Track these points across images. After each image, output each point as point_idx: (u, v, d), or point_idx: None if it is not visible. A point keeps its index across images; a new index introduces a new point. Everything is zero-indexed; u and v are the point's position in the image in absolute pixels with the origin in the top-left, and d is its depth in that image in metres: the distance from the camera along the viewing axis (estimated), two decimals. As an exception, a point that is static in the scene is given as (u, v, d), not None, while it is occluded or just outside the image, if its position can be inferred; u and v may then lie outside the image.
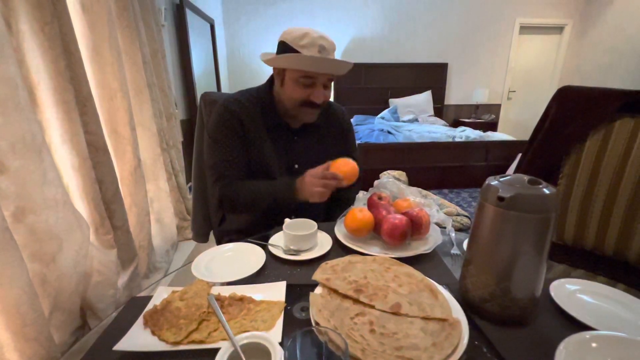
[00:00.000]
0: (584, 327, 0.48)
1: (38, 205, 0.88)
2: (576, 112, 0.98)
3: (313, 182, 0.81)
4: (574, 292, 0.57)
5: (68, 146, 1.07)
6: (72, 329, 1.03)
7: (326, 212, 1.08)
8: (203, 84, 2.90)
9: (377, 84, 4.37)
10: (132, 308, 0.54)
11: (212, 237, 1.28)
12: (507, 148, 2.95)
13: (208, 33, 3.28)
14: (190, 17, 2.54)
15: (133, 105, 1.49)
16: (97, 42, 1.26)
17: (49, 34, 0.97)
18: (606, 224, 0.92)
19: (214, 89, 3.41)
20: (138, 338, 0.45)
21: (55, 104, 1.02)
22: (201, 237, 1.28)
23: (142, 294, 0.60)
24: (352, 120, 3.84)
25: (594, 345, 0.42)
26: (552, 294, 0.56)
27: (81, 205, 1.13)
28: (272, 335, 0.44)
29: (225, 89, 3.91)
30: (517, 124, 4.73)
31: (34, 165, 0.87)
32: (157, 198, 1.74)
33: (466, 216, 1.98)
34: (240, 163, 0.92)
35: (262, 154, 0.93)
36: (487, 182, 0.51)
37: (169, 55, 2.22)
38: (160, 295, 0.54)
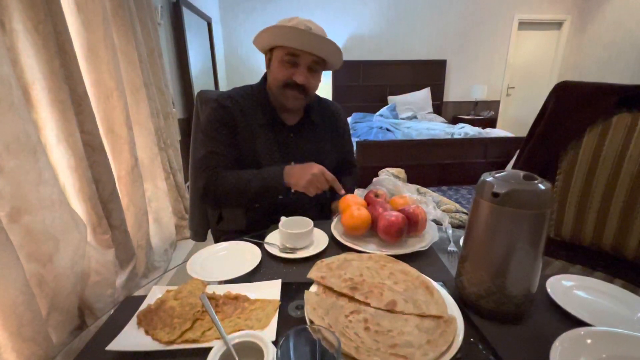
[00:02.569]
0: (581, 323, 0.48)
1: (34, 205, 0.88)
2: (574, 108, 0.98)
3: (318, 170, 0.81)
4: (570, 288, 0.57)
5: (64, 146, 1.06)
6: (70, 328, 1.02)
7: (321, 210, 1.07)
8: (201, 82, 2.89)
9: (375, 81, 4.36)
10: (126, 307, 0.54)
11: (210, 236, 1.28)
12: (506, 144, 2.94)
13: (205, 31, 3.26)
14: (186, 15, 2.52)
15: (129, 104, 1.48)
16: (92, 40, 1.25)
17: (43, 32, 0.97)
18: (604, 220, 0.92)
19: (211, 87, 3.40)
20: (131, 338, 0.45)
21: (50, 104, 1.02)
22: (199, 236, 1.28)
23: (137, 293, 0.60)
24: (350, 118, 3.84)
25: (588, 341, 0.42)
26: (549, 290, 0.55)
27: (78, 205, 1.13)
28: (266, 334, 0.44)
29: (223, 87, 3.89)
30: (516, 120, 4.72)
31: (29, 165, 0.86)
32: (155, 197, 1.74)
33: (465, 213, 1.98)
34: (228, 156, 0.90)
35: (256, 150, 0.92)
36: (482, 178, 0.50)
37: (166, 53, 2.21)
38: (154, 294, 0.54)
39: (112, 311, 0.55)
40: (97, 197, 1.18)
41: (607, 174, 0.91)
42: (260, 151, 0.93)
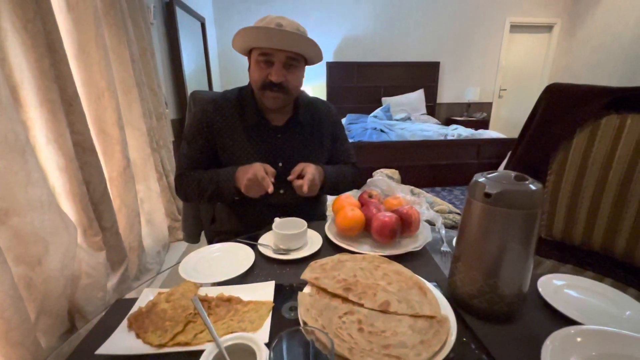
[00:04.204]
0: (571, 322, 0.49)
1: (22, 206, 0.86)
2: (564, 110, 0.99)
3: (252, 174, 0.79)
4: (561, 287, 0.58)
5: (53, 146, 1.04)
6: (59, 332, 1.01)
7: (314, 211, 1.07)
8: (194, 83, 2.86)
9: (369, 82, 4.38)
10: (117, 310, 0.53)
11: (203, 237, 1.27)
12: (499, 146, 2.98)
13: (199, 31, 3.24)
14: (180, 15, 2.51)
15: (121, 104, 1.46)
16: (83, 40, 1.23)
17: (32, 31, 0.95)
18: (593, 220, 0.93)
19: (205, 88, 3.38)
20: (122, 341, 0.44)
21: (40, 104, 1.00)
22: (192, 237, 1.27)
23: (129, 296, 0.59)
24: (344, 119, 3.85)
25: (579, 339, 0.43)
26: (540, 289, 0.56)
27: (68, 206, 1.11)
28: (260, 336, 0.44)
29: (217, 88, 3.87)
30: (508, 122, 4.78)
31: (18, 166, 0.84)
32: (148, 199, 1.72)
33: (458, 213, 1.99)
34: (199, 160, 0.94)
35: (241, 153, 0.92)
36: (474, 178, 0.51)
37: (159, 54, 2.19)
38: (145, 297, 0.53)
39: (102, 314, 0.54)
40: (87, 198, 1.16)
41: (596, 174, 0.92)
42: (247, 153, 0.92)
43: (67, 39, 1.17)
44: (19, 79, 0.96)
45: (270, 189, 0.78)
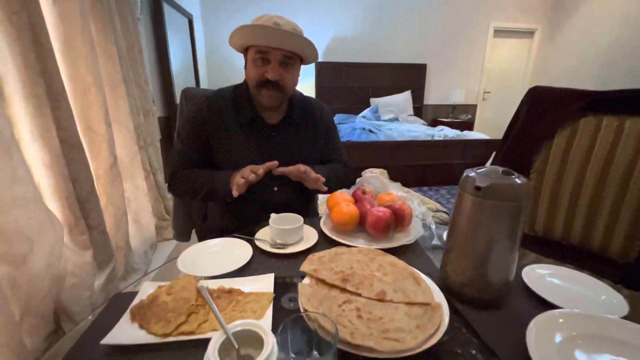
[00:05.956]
0: (553, 307, 0.52)
1: (7, 204, 0.84)
2: (546, 111, 1.05)
3: (238, 178, 0.81)
4: (543, 276, 0.62)
5: (39, 142, 1.02)
6: (45, 333, 0.98)
7: (305, 209, 1.08)
8: (181, 80, 2.82)
9: (358, 83, 4.43)
10: (116, 304, 0.53)
11: (194, 236, 1.26)
12: (483, 146, 3.08)
13: (186, 28, 3.19)
14: (167, 11, 2.47)
15: (108, 100, 1.43)
16: (69, 34, 1.20)
17: (17, 23, 0.92)
18: (572, 216, 0.99)
19: (192, 85, 3.33)
20: (126, 332, 0.44)
21: (25, 98, 0.97)
22: (182, 236, 1.26)
23: (126, 290, 0.59)
24: (334, 118, 3.87)
25: (560, 321, 0.46)
26: (524, 278, 0.60)
27: (54, 204, 1.08)
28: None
29: (205, 85, 3.82)
30: (492, 123, 4.93)
31: (2, 162, 0.82)
32: (135, 197, 1.68)
33: (445, 212, 2.05)
34: (193, 158, 0.95)
35: (235, 150, 0.93)
36: (465, 173, 0.54)
37: (146, 50, 2.15)
38: (146, 290, 0.53)
39: (103, 307, 0.53)
40: (74, 196, 1.13)
41: (575, 173, 0.98)
42: (239, 151, 0.93)
43: (52, 32, 1.14)
44: (2, 73, 0.93)
45: (253, 177, 0.81)
